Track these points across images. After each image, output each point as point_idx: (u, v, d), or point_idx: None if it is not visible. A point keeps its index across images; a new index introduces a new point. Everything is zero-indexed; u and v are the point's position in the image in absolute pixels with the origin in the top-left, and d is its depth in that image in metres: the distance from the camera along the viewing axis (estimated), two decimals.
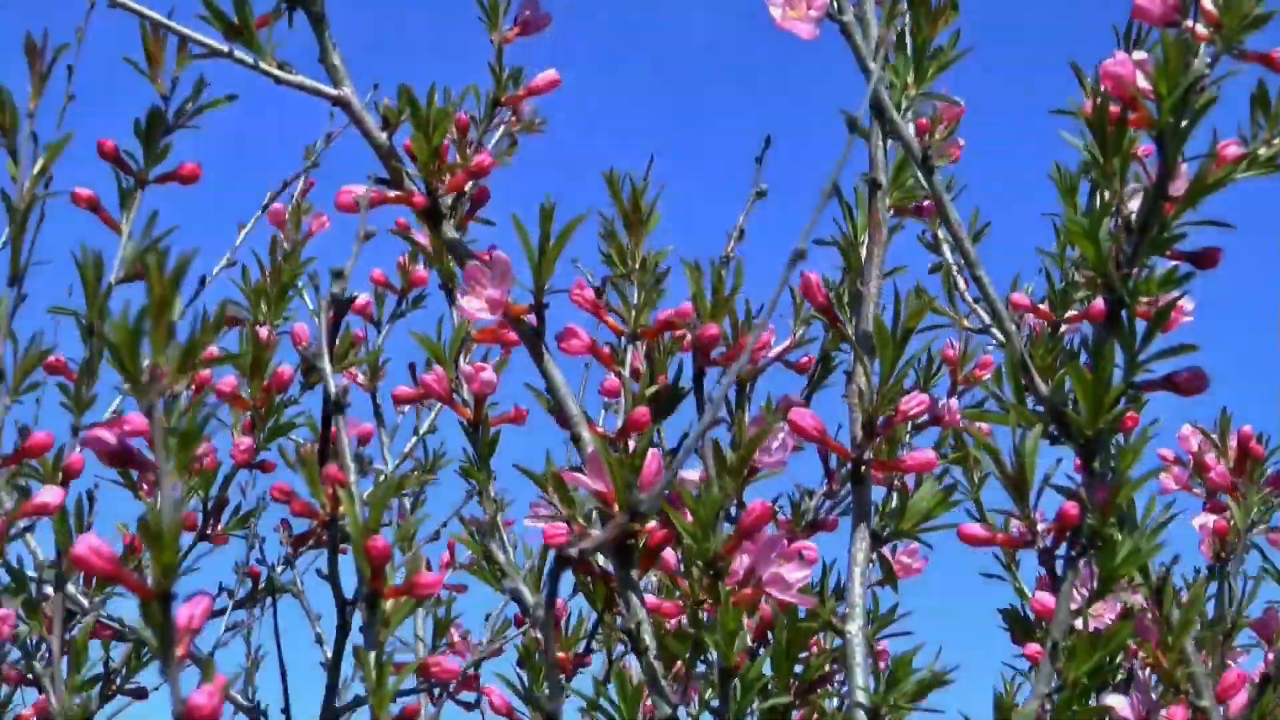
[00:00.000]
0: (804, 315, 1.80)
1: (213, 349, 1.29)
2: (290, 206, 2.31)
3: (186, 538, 1.89)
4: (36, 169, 1.22)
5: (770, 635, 1.41)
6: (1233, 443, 1.99)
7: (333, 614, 1.74)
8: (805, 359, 1.89)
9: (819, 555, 1.46)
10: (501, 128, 1.82)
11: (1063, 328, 1.78)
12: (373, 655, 1.06)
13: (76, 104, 1.45)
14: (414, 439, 2.37)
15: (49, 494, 1.25)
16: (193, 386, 1.73)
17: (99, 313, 1.23)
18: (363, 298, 2.37)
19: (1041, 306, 1.80)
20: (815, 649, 1.48)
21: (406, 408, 2.46)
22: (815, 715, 1.42)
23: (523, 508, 1.53)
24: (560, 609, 1.67)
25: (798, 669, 1.41)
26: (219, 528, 1.92)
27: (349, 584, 1.75)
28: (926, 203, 1.68)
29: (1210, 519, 1.94)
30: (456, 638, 2.32)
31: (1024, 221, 1.80)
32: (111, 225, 1.45)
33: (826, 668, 1.42)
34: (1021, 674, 1.71)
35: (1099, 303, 1.57)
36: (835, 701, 1.47)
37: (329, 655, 1.75)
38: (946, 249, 2.02)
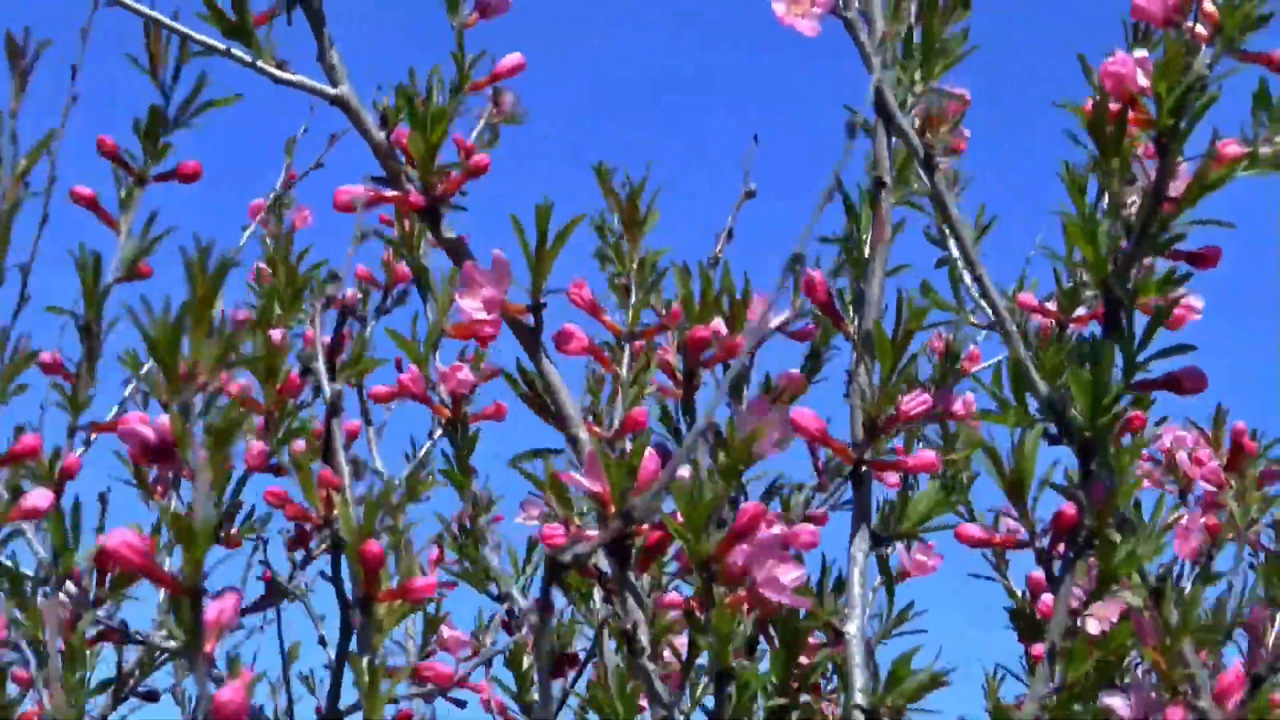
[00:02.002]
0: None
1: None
2: (270, 200, 2.29)
3: None
4: (19, 170, 1.22)
5: (772, 632, 1.41)
6: (1226, 439, 1.99)
7: (336, 615, 1.75)
8: (808, 327, 1.87)
9: (818, 540, 1.45)
10: (483, 119, 1.79)
11: (1070, 327, 1.77)
12: (365, 660, 1.06)
13: (81, 103, 1.45)
14: (429, 443, 2.35)
15: (38, 497, 1.24)
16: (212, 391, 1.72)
17: (97, 313, 1.23)
18: (349, 294, 2.35)
19: (1049, 306, 1.79)
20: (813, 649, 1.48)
21: (394, 404, 2.45)
22: (815, 717, 1.42)
23: (512, 506, 1.53)
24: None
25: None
26: (233, 531, 1.91)
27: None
28: None
29: (1186, 516, 1.94)
30: (446, 635, 2.31)
31: (1037, 216, 1.78)
32: (110, 224, 1.44)
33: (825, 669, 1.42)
34: (1010, 672, 1.71)
35: None
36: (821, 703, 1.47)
37: (332, 657, 1.75)
38: (953, 244, 2.01)
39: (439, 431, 2.41)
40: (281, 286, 1.76)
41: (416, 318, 1.50)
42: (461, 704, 2.27)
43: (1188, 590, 1.48)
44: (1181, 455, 1.99)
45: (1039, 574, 1.71)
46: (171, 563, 1.60)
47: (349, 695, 1.91)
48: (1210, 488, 1.98)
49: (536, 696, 1.79)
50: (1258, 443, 2.00)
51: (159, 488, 1.91)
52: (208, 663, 0.93)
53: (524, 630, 1.70)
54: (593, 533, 1.37)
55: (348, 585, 1.76)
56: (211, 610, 0.94)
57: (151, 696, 1.96)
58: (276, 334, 1.77)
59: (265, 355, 1.66)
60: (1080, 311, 1.76)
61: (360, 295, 2.35)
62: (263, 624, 2.31)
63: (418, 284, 1.68)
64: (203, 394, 0.97)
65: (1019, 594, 1.70)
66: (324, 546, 1.87)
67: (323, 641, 2.27)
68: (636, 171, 1.57)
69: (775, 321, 1.68)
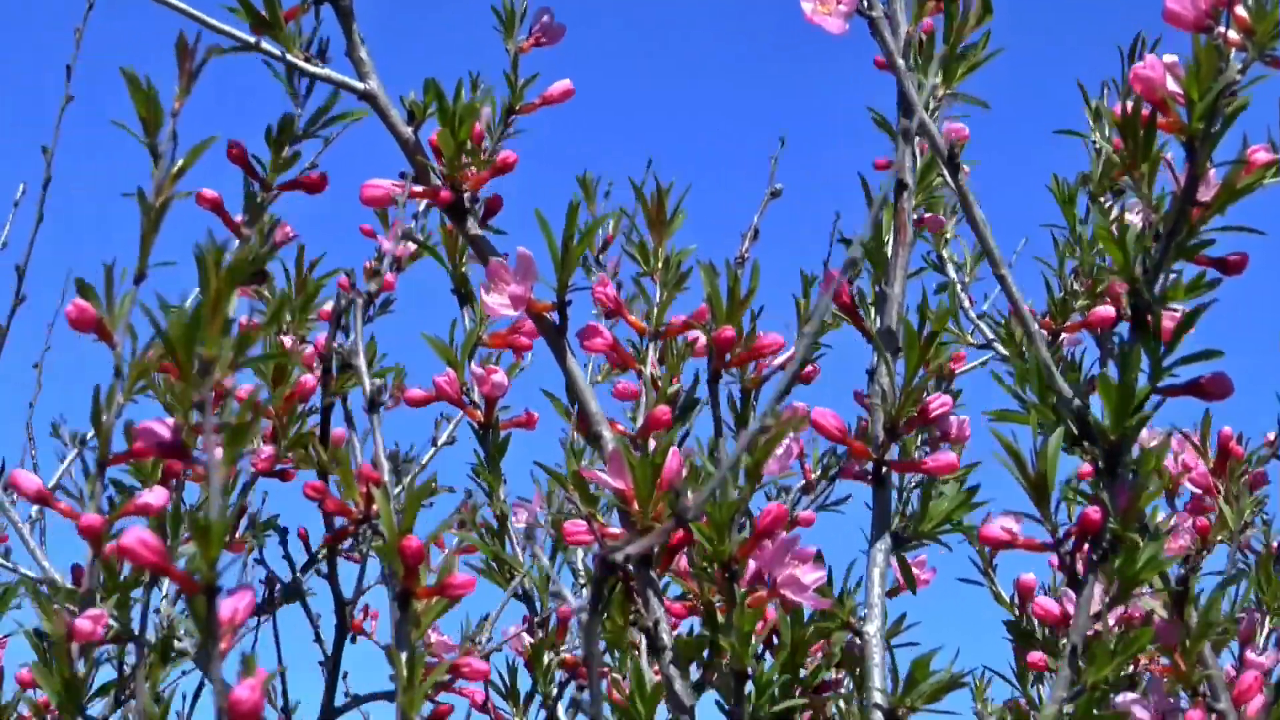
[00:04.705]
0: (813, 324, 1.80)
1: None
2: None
3: None
4: (176, 169, 1.21)
5: (776, 638, 1.41)
6: (1213, 443, 2.00)
7: (331, 614, 1.75)
8: (810, 368, 1.90)
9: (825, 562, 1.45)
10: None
11: (1062, 336, 1.79)
12: (404, 655, 1.06)
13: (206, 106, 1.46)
14: (432, 450, 2.34)
15: (153, 495, 1.24)
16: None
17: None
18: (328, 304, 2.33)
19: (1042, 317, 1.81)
20: (822, 651, 1.48)
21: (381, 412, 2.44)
22: (827, 717, 1.42)
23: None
24: (565, 612, 1.67)
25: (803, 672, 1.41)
26: (237, 535, 1.91)
27: (346, 585, 1.76)
28: (928, 215, 1.69)
29: (1175, 516, 1.95)
30: (434, 639, 2.31)
31: (1024, 231, 1.82)
32: (233, 228, 1.45)
33: (833, 670, 1.42)
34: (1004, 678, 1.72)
35: (1101, 310, 1.57)
36: (852, 704, 1.47)
37: (328, 655, 1.75)
38: (951, 269, 2.05)
39: (443, 438, 2.41)
40: (292, 294, 1.75)
41: (455, 324, 1.51)
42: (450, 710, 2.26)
43: (1211, 594, 1.49)
44: (1189, 458, 2.00)
45: (1028, 578, 1.72)
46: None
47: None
48: (1197, 491, 2.00)
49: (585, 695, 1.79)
50: (1244, 448, 2.01)
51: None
52: (221, 660, 0.93)
53: (550, 630, 1.69)
54: (644, 539, 1.37)
55: (343, 585, 1.77)
56: (225, 608, 0.94)
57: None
58: (287, 340, 1.76)
59: (276, 357, 1.65)
60: (1072, 320, 1.78)
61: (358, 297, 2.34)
62: (258, 624, 2.31)
63: (458, 292, 1.68)
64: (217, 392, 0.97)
65: (1006, 599, 1.72)
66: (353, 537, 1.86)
67: (318, 639, 2.26)
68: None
69: (780, 359, 1.69)
